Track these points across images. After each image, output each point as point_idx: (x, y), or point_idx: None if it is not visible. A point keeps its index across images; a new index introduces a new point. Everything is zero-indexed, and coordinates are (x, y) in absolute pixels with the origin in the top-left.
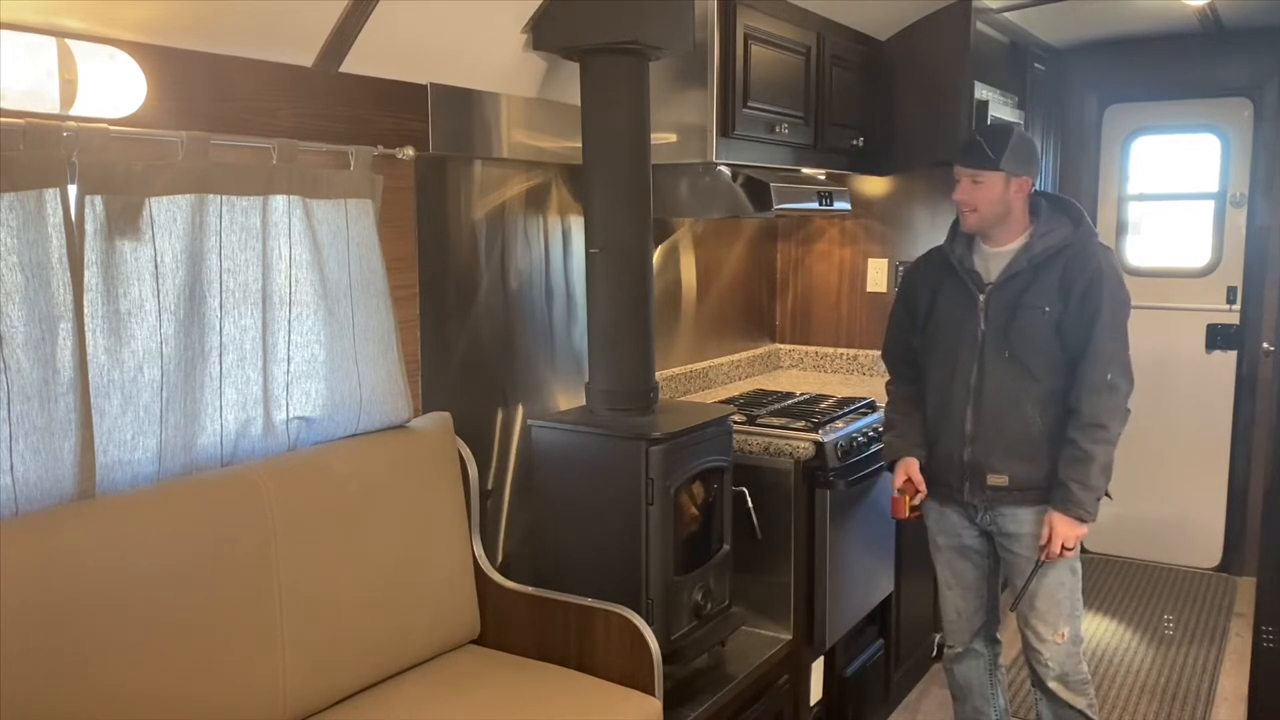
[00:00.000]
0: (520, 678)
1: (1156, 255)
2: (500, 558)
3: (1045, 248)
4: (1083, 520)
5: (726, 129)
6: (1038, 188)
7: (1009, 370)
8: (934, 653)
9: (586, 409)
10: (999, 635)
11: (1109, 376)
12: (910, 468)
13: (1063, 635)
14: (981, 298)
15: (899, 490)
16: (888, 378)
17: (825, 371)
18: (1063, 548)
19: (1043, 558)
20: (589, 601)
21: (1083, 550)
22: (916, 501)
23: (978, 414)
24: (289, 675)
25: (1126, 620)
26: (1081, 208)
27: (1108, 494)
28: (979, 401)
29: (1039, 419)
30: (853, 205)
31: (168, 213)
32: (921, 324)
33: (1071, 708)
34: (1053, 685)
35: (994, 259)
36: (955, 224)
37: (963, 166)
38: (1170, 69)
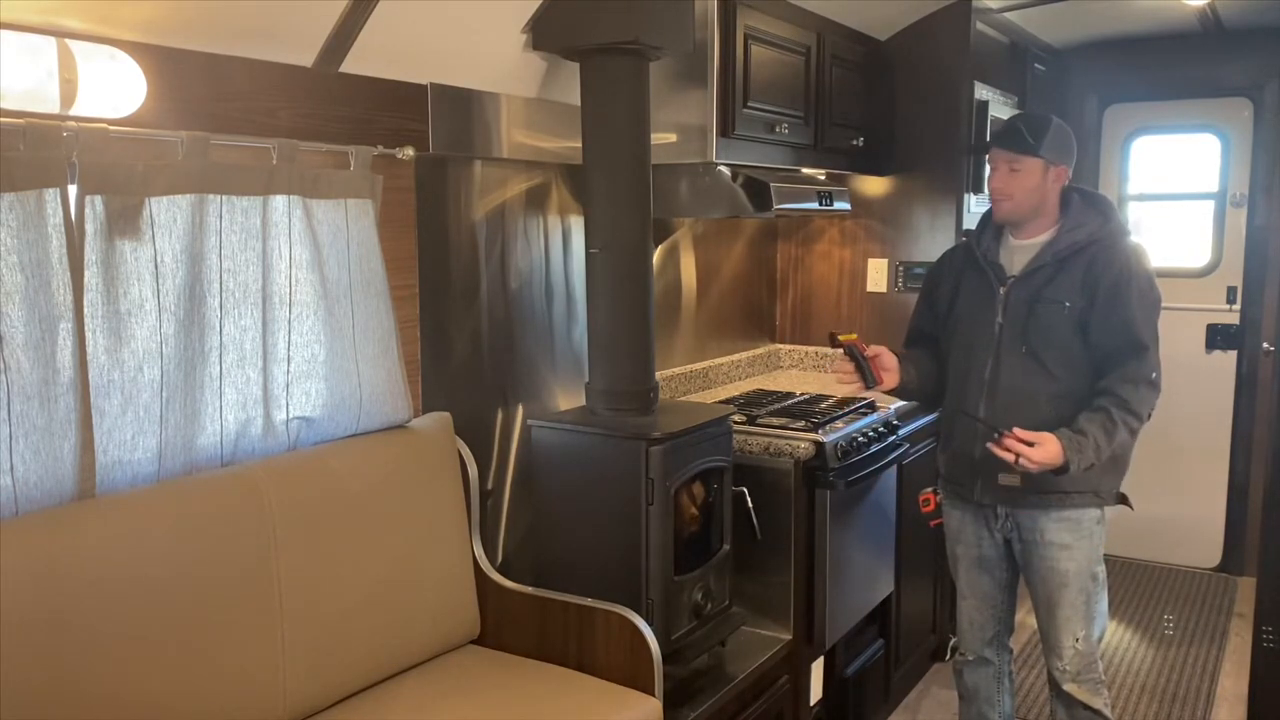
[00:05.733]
0: (520, 678)
1: (1156, 255)
2: (500, 558)
3: (1071, 242)
4: (1065, 461)
5: (726, 129)
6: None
7: (1025, 366)
8: (947, 655)
9: (586, 409)
10: (1011, 644)
11: (1154, 375)
12: (882, 350)
13: (1080, 640)
14: (1002, 291)
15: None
16: None
17: (825, 371)
18: (1019, 459)
19: (999, 447)
20: (589, 601)
21: None
22: (844, 378)
23: (991, 410)
24: (289, 675)
25: (1126, 620)
26: (1113, 204)
27: (1129, 504)
28: (993, 397)
29: (1056, 419)
30: (853, 205)
31: (168, 213)
32: (944, 317)
33: (1088, 708)
34: (1068, 687)
35: (1019, 252)
36: (986, 215)
37: (1001, 150)
38: (1170, 69)
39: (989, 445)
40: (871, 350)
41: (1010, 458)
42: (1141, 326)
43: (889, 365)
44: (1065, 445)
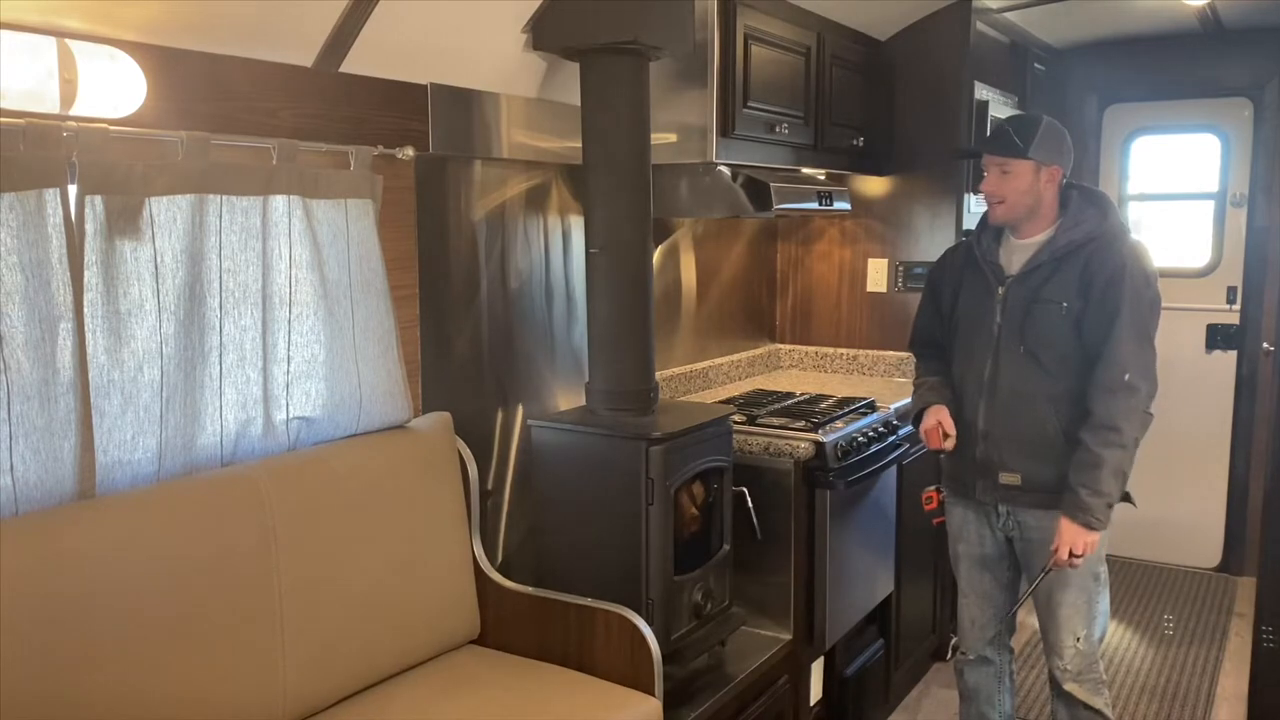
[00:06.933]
0: (520, 678)
1: (1157, 255)
2: (500, 558)
3: (1069, 241)
4: (1091, 527)
5: (726, 129)
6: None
7: (1024, 366)
8: (947, 655)
9: (586, 409)
10: (1012, 644)
11: (1126, 377)
12: (939, 412)
13: (1081, 640)
14: (1000, 291)
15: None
16: (915, 376)
17: (825, 371)
18: (1071, 555)
19: (1049, 564)
20: (589, 601)
21: None
22: (948, 445)
23: (990, 410)
24: (289, 675)
25: (1126, 620)
26: (1113, 201)
27: (1132, 502)
28: (992, 397)
29: (1055, 418)
30: (853, 205)
31: (168, 213)
32: (947, 316)
33: (1089, 707)
34: (1069, 687)
35: (1018, 251)
36: (985, 215)
37: (990, 155)
38: (1170, 69)
39: (1049, 568)
40: (950, 437)
41: (1076, 560)
42: (1125, 327)
43: (949, 421)
44: (1075, 518)
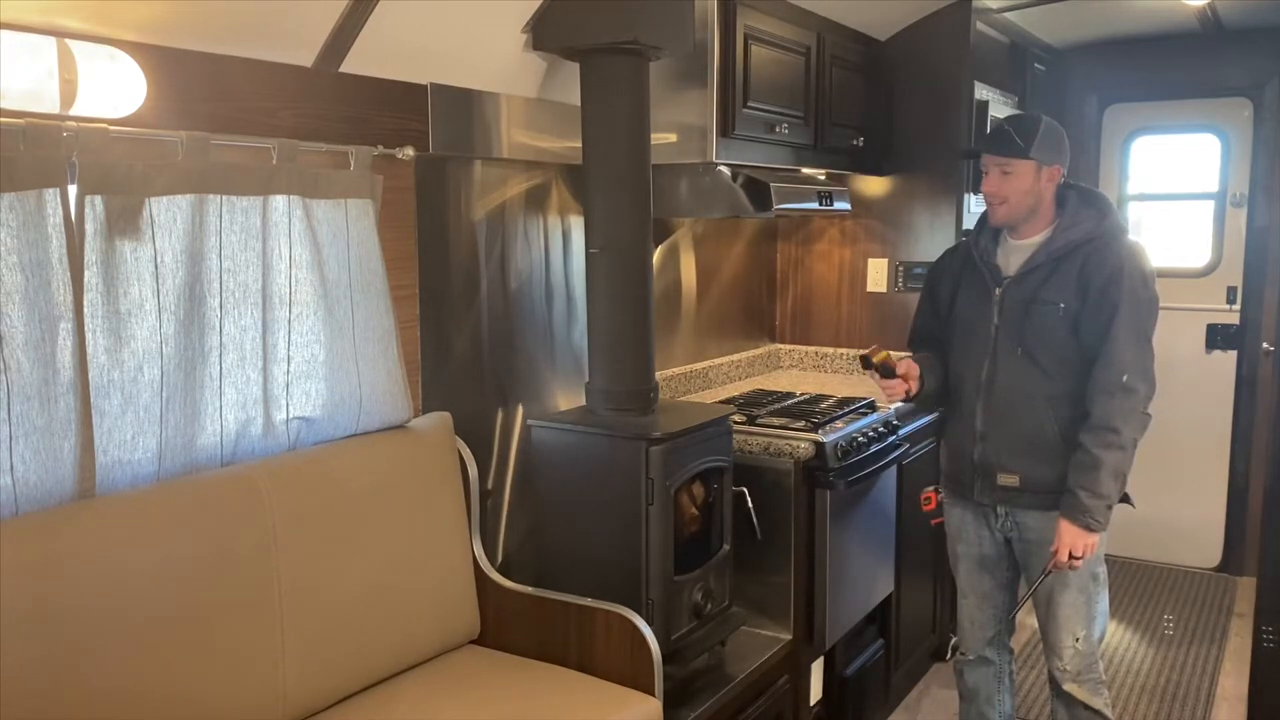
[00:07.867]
0: (520, 678)
1: (1156, 255)
2: (500, 558)
3: (1066, 241)
4: (1090, 529)
5: (726, 129)
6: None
7: (1021, 367)
8: (947, 655)
9: (586, 409)
10: (1012, 644)
11: (1124, 378)
12: (907, 360)
13: (1081, 640)
14: (997, 291)
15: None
16: None
17: (825, 371)
18: (1071, 556)
19: (1049, 566)
20: (589, 601)
21: None
22: (895, 383)
23: (988, 411)
24: (289, 675)
25: (1126, 620)
26: (1111, 201)
27: (1131, 503)
28: (989, 398)
29: (1053, 419)
30: (853, 205)
31: (168, 213)
32: (944, 316)
33: (1088, 708)
34: (1069, 687)
35: (1015, 252)
36: (984, 215)
37: (991, 155)
38: (1170, 69)
39: (1049, 570)
40: (902, 367)
41: (1076, 562)
42: (1123, 328)
43: (914, 374)
44: (1075, 520)
